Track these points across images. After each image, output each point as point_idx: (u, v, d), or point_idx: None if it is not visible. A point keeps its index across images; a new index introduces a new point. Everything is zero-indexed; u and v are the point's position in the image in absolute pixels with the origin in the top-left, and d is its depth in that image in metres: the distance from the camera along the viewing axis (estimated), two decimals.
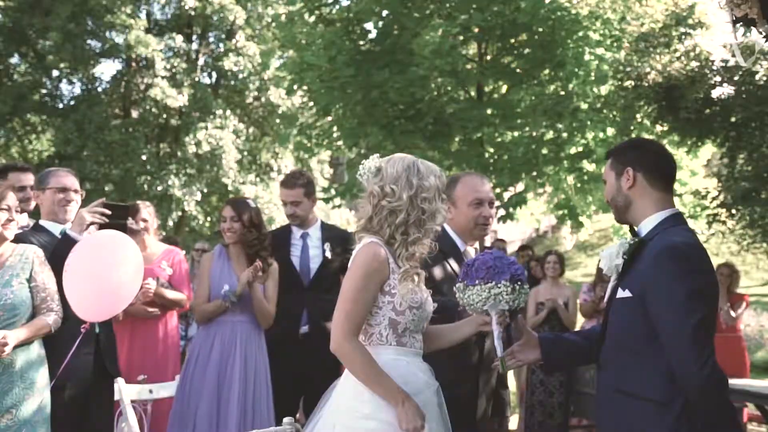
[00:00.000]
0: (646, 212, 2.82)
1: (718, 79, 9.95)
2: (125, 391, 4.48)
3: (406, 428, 2.60)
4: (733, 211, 10.07)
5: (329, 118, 14.61)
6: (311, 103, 14.85)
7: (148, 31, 22.56)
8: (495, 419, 3.93)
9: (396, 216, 2.79)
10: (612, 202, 2.91)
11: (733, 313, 8.01)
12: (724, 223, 10.37)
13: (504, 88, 14.56)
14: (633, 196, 2.84)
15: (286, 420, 3.17)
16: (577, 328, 8.14)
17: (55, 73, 22.84)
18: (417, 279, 2.82)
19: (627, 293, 2.72)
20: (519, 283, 2.79)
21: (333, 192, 14.87)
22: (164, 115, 22.20)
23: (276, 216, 22.29)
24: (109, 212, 4.16)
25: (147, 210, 5.68)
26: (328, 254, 5.08)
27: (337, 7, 14.28)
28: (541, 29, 12.49)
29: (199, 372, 4.67)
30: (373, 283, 2.75)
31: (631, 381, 2.67)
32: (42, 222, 4.31)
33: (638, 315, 2.67)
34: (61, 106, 22.93)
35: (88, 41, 22.44)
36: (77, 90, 23.25)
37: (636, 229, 2.86)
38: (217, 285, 4.75)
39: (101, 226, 4.14)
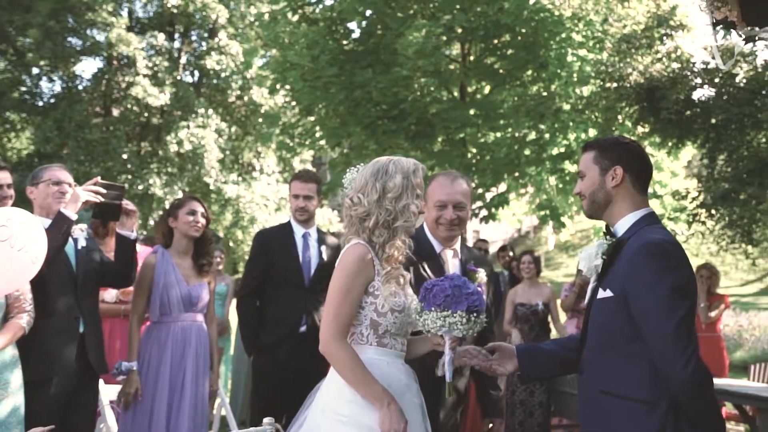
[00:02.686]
0: (623, 212, 2.82)
1: (698, 80, 10.02)
2: (104, 391, 4.45)
3: (388, 431, 2.61)
4: (713, 212, 10.14)
5: (312, 118, 14.58)
6: (294, 103, 14.82)
7: (129, 29, 22.41)
8: (484, 421, 3.92)
9: (367, 221, 2.85)
10: (590, 196, 2.87)
11: (711, 313, 8.06)
12: (703, 223, 10.44)
13: (487, 89, 14.61)
14: (615, 195, 2.83)
15: (266, 420, 3.16)
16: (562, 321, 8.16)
17: (35, 70, 22.64)
18: (402, 281, 2.88)
19: (608, 293, 2.70)
20: (475, 314, 2.77)
21: None
22: (146, 114, 22.06)
23: (258, 215, 22.21)
24: (104, 191, 4.12)
25: (129, 206, 5.62)
26: (324, 256, 5.06)
27: (321, 6, 14.26)
28: (524, 30, 12.54)
29: (152, 374, 4.61)
30: (358, 284, 2.79)
31: (617, 381, 2.66)
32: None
33: (621, 314, 2.66)
34: (41, 104, 22.73)
35: (69, 39, 22.26)
36: (57, 88, 23.07)
37: (611, 228, 2.86)
38: (162, 290, 4.68)
39: (96, 205, 4.12)
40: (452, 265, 3.69)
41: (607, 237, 2.81)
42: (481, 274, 3.68)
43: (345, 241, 2.92)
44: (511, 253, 9.99)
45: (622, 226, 2.81)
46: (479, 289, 2.89)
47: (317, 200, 5.15)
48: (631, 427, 2.62)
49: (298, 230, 5.10)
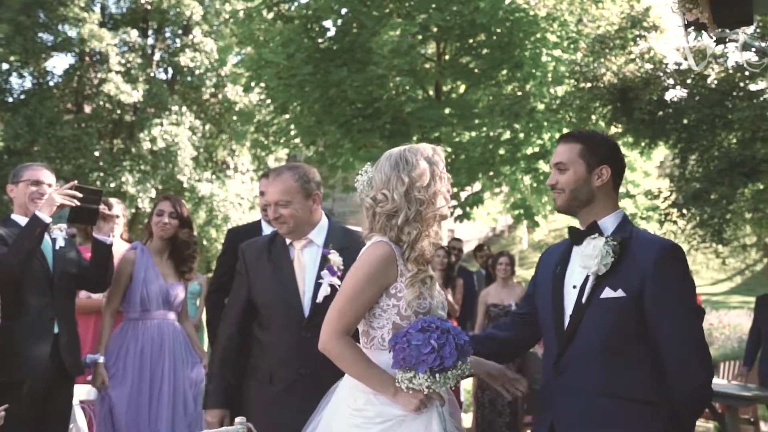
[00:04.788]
0: (606, 211, 2.79)
1: (671, 81, 10.13)
2: (75, 392, 4.39)
3: (407, 411, 2.55)
4: (684, 212, 10.25)
5: (287, 116, 14.53)
6: (269, 101, 14.75)
7: (102, 24, 22.12)
8: None
9: (395, 218, 2.67)
10: (572, 192, 2.79)
11: None
12: (675, 223, 10.55)
13: (462, 88, 14.65)
14: (598, 194, 2.79)
15: (237, 420, 3.12)
16: None
17: (5, 66, 22.25)
18: (429, 283, 2.69)
19: (620, 293, 2.63)
20: (439, 373, 2.52)
21: None
22: (118, 111, 21.78)
23: (232, 214, 22.07)
24: (80, 195, 4.07)
25: (120, 206, 5.57)
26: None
27: (296, 4, 14.21)
28: (499, 30, 12.60)
29: (129, 370, 4.58)
30: (376, 285, 2.64)
31: (619, 383, 2.61)
32: (13, 216, 4.22)
33: (631, 315, 2.62)
34: (11, 100, 22.34)
35: (40, 34, 21.90)
36: (28, 84, 22.69)
37: (584, 225, 2.81)
38: (141, 286, 4.65)
39: (72, 210, 4.07)
40: (307, 255, 3.48)
41: (607, 238, 2.70)
42: (334, 256, 3.42)
43: (367, 238, 2.77)
44: (488, 252, 10.02)
45: (607, 225, 2.77)
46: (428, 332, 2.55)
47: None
48: (635, 429, 2.59)
49: (267, 229, 5.06)
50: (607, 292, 2.65)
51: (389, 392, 2.57)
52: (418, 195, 2.67)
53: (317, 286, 3.40)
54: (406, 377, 2.52)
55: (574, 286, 2.78)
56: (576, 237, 2.83)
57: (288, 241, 3.53)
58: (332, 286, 3.36)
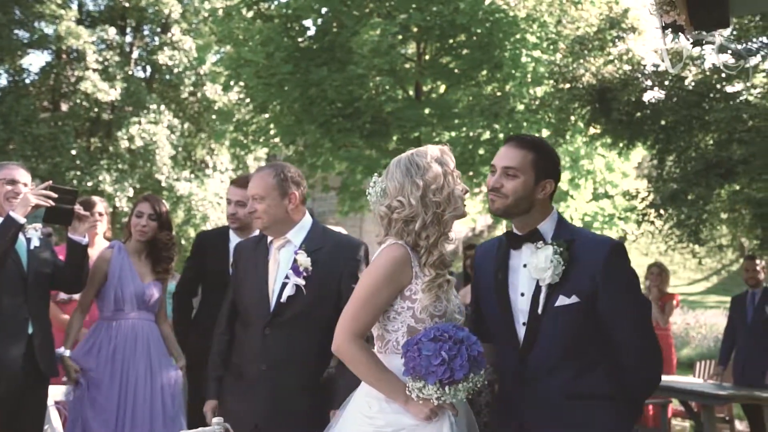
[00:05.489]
0: (544, 215, 2.82)
1: (649, 83, 10.20)
2: (50, 393, 4.34)
3: (418, 420, 2.52)
4: (662, 212, 10.33)
5: (266, 115, 14.47)
6: (248, 100, 14.68)
7: (79, 22, 21.88)
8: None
9: (413, 223, 2.64)
10: (517, 200, 2.77)
11: (662, 320, 8.12)
12: (652, 223, 10.63)
13: (442, 88, 14.67)
14: (537, 204, 2.80)
15: (214, 420, 3.12)
16: None
17: None
18: (446, 287, 2.66)
19: (574, 299, 2.68)
20: (449, 385, 2.47)
21: None
22: (95, 109, 21.55)
23: (211, 213, 21.95)
24: (55, 195, 4.02)
25: (103, 205, 5.51)
26: None
27: (276, 3, 14.15)
28: (479, 31, 12.63)
29: (101, 370, 4.51)
30: (391, 287, 2.61)
31: (585, 384, 2.69)
32: None
33: (588, 318, 2.69)
34: None
35: (16, 31, 21.62)
36: (3, 81, 22.36)
37: (516, 229, 2.84)
38: (116, 285, 4.60)
39: (47, 210, 4.03)
40: (283, 255, 3.52)
41: (554, 246, 2.72)
42: (301, 257, 3.44)
43: (381, 241, 2.73)
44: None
45: (546, 230, 2.79)
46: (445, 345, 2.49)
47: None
48: (602, 423, 2.68)
49: (233, 235, 5.03)
50: (562, 300, 2.69)
51: (401, 399, 2.54)
52: (433, 198, 2.64)
53: (284, 285, 3.43)
54: (416, 386, 2.49)
55: (522, 294, 2.79)
56: (514, 242, 2.85)
57: (269, 239, 3.57)
58: (297, 286, 3.40)
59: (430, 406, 2.50)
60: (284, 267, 3.48)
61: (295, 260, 3.44)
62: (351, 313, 2.61)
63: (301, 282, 3.40)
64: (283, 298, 3.41)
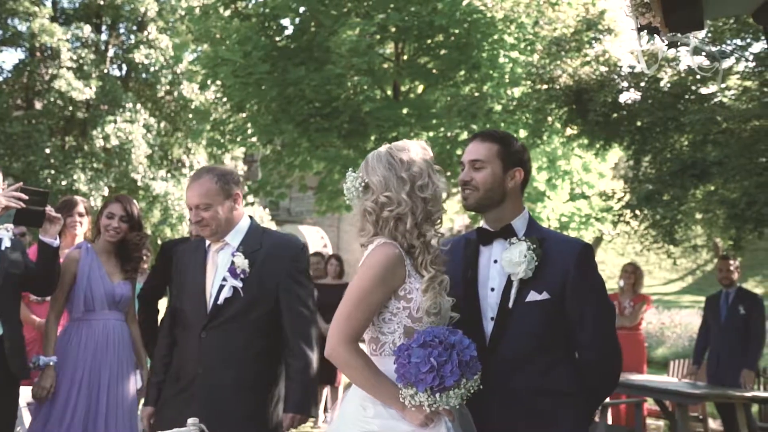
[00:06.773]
0: (516, 212, 2.87)
1: (625, 84, 10.26)
2: (21, 394, 4.28)
3: (414, 426, 2.47)
4: (637, 213, 10.40)
5: (243, 115, 14.39)
6: (225, 99, 14.59)
7: (53, 19, 21.66)
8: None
9: (404, 222, 2.56)
10: (487, 191, 2.81)
11: (628, 319, 8.16)
12: (628, 223, 10.70)
13: (420, 89, 14.68)
14: (509, 195, 2.85)
15: (190, 421, 3.08)
16: None
17: None
18: (444, 284, 2.59)
19: (545, 295, 2.73)
20: (440, 393, 2.43)
21: (247, 189, 14.64)
22: (70, 108, 21.34)
23: (187, 213, 21.78)
24: (26, 197, 3.97)
25: (84, 205, 5.42)
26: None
27: (253, 2, 14.08)
28: (457, 31, 12.65)
29: (69, 373, 4.46)
30: (384, 288, 2.53)
31: (553, 379, 2.74)
32: None
33: (557, 315, 2.76)
34: None
35: None
36: None
37: (490, 224, 2.88)
38: (86, 285, 4.54)
39: (18, 212, 3.97)
40: (221, 258, 3.50)
41: (527, 242, 2.76)
42: (238, 259, 3.41)
43: (368, 241, 2.62)
44: None
45: (519, 226, 2.85)
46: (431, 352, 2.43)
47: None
48: (565, 418, 2.73)
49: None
50: (533, 296, 2.75)
51: (397, 405, 2.50)
52: (421, 194, 2.59)
53: (221, 288, 3.42)
54: (408, 393, 2.45)
55: (492, 289, 2.82)
56: (485, 238, 2.88)
57: (207, 243, 3.55)
58: (234, 288, 3.39)
59: (424, 413, 2.46)
60: (222, 270, 3.46)
61: (232, 262, 3.42)
62: (344, 316, 2.53)
63: (239, 284, 3.39)
64: (220, 301, 3.40)
